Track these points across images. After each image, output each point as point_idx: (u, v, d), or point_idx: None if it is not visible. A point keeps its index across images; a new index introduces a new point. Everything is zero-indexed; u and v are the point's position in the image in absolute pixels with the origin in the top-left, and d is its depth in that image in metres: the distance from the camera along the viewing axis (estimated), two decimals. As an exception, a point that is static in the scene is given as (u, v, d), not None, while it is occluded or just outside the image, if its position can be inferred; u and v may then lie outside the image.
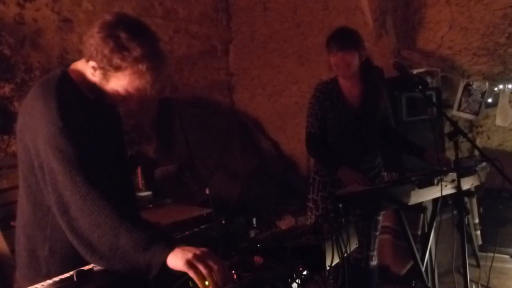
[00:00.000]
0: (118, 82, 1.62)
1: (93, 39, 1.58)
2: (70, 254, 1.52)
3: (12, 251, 3.75)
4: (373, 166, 3.07)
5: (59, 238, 1.54)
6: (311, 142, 3.05)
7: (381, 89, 3.05)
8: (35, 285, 1.35)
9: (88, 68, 1.65)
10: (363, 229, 3.01)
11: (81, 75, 1.68)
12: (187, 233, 1.74)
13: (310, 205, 3.10)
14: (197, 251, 1.33)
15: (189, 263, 1.30)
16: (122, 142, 1.94)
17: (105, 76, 1.62)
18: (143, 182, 4.31)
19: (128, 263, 1.36)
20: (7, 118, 4.18)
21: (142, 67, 1.58)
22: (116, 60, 1.56)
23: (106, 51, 1.56)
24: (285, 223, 5.06)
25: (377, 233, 3.08)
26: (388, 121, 3.12)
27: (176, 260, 1.32)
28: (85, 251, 1.42)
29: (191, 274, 1.29)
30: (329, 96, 2.97)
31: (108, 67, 1.58)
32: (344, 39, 2.87)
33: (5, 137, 4.17)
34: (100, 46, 1.56)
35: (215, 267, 1.30)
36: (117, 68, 1.58)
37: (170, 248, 1.34)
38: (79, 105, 1.62)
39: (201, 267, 1.29)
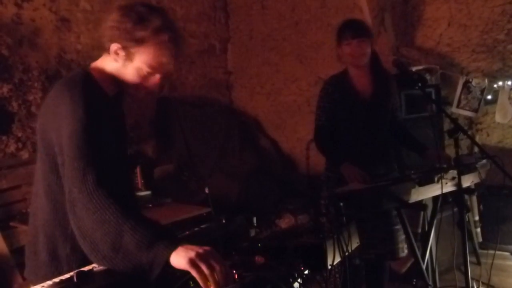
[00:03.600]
0: (142, 58, 1.67)
1: (113, 21, 1.65)
2: None
3: (12, 251, 3.73)
4: (388, 169, 3.06)
5: None
6: (317, 134, 3.05)
7: (391, 80, 3.05)
8: (35, 286, 1.35)
9: (108, 60, 1.71)
10: (385, 226, 2.98)
11: (102, 71, 1.73)
12: (187, 232, 1.73)
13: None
14: (200, 250, 1.32)
15: (192, 262, 1.29)
16: (127, 140, 1.97)
17: (129, 55, 1.67)
18: (142, 181, 4.31)
19: (131, 262, 1.35)
20: (6, 118, 4.16)
21: (164, 37, 1.65)
22: (139, 32, 1.63)
23: (129, 25, 1.63)
24: (285, 222, 5.05)
25: (397, 226, 2.99)
26: (396, 113, 3.14)
27: (179, 258, 1.30)
28: (89, 250, 1.41)
29: (194, 273, 1.29)
30: (339, 87, 2.97)
31: (131, 43, 1.64)
32: (359, 27, 2.90)
33: (4, 137, 4.15)
34: (121, 22, 1.64)
35: (217, 267, 1.29)
36: (141, 41, 1.64)
37: (173, 247, 1.33)
38: (100, 103, 1.65)
39: (203, 267, 1.28)
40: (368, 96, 2.98)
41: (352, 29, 2.87)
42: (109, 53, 1.70)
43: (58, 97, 1.61)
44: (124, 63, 1.69)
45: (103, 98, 1.69)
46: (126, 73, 1.71)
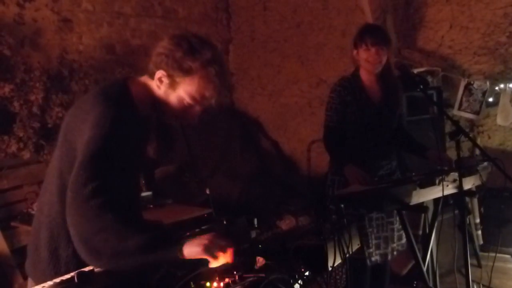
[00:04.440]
0: (186, 88, 1.66)
1: (163, 47, 1.66)
2: None
3: (13, 251, 3.73)
4: (391, 170, 3.08)
5: None
6: (328, 135, 3.05)
7: (400, 86, 3.06)
8: (36, 287, 1.35)
9: (151, 82, 1.71)
10: (387, 225, 3.01)
11: (141, 91, 1.72)
12: (188, 233, 1.73)
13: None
14: (210, 237, 1.43)
15: (207, 248, 1.39)
16: (143, 161, 1.97)
17: (172, 84, 1.67)
18: (144, 182, 4.30)
19: (137, 263, 1.37)
20: (7, 118, 4.16)
21: (212, 70, 1.65)
22: (188, 63, 1.62)
23: (179, 54, 1.63)
24: (286, 223, 5.04)
25: (397, 224, 3.04)
26: (402, 118, 3.16)
27: (194, 248, 1.38)
28: (88, 256, 1.41)
29: (209, 258, 1.39)
30: (351, 90, 2.96)
31: (178, 72, 1.64)
32: (380, 34, 2.89)
33: (5, 137, 4.14)
34: (172, 50, 1.64)
35: (226, 247, 1.42)
36: (188, 72, 1.64)
37: (180, 244, 1.39)
38: (130, 121, 1.63)
39: (218, 250, 1.40)
40: (379, 99, 2.99)
41: (373, 36, 2.85)
42: (152, 78, 1.69)
43: (91, 103, 1.61)
44: (166, 91, 1.68)
45: (134, 116, 1.67)
46: (166, 101, 1.70)
